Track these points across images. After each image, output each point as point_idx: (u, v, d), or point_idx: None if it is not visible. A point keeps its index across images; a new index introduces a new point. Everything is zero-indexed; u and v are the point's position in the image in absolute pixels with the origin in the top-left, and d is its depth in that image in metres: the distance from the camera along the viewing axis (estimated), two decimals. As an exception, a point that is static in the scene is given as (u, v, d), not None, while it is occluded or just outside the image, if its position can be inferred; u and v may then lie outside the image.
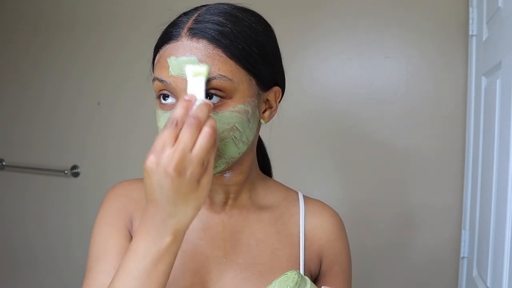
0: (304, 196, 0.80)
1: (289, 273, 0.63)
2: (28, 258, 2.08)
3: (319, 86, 1.65)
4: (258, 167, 0.78)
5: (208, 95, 0.61)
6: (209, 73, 0.59)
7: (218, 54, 0.61)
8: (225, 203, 0.73)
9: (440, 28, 1.52)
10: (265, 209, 0.76)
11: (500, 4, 1.12)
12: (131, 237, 0.72)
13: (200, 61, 0.60)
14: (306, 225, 0.76)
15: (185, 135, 0.52)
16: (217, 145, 0.62)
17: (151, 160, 0.53)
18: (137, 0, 1.87)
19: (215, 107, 0.61)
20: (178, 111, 0.54)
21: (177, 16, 0.66)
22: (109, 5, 1.90)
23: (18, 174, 2.07)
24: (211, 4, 0.66)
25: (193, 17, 0.63)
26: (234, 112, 0.62)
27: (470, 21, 1.43)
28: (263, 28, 0.68)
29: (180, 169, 0.52)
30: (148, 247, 0.55)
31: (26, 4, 2.05)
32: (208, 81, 0.60)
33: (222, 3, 0.66)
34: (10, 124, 2.10)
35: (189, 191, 0.53)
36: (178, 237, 0.56)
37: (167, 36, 0.64)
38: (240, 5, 0.67)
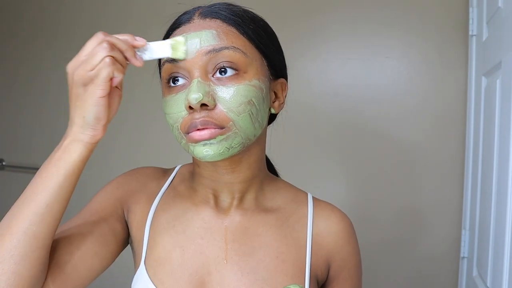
0: (313, 198, 0.77)
1: (292, 287, 0.61)
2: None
3: (319, 87, 1.65)
4: (266, 167, 0.76)
5: (222, 69, 0.61)
6: (180, 44, 0.61)
7: (231, 31, 0.63)
8: (230, 203, 0.72)
9: (440, 28, 1.52)
10: (271, 211, 0.73)
11: (500, 4, 1.12)
12: (123, 220, 0.73)
13: (217, 36, 0.61)
14: (314, 229, 0.73)
15: (87, 44, 0.56)
16: (234, 119, 0.61)
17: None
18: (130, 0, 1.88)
19: (230, 80, 0.61)
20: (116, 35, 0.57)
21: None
22: (108, 5, 1.90)
23: (18, 174, 2.07)
24: (221, 2, 0.68)
25: (204, 6, 0.66)
26: (250, 85, 0.62)
27: (470, 21, 1.43)
28: (270, 27, 0.70)
29: (71, 67, 0.56)
30: (54, 150, 0.59)
31: (27, 5, 2.05)
32: (222, 52, 0.60)
33: (226, 2, 0.68)
34: (10, 124, 2.10)
35: (76, 96, 0.56)
36: (67, 149, 0.57)
37: (177, 22, 0.65)
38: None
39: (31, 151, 2.05)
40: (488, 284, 1.11)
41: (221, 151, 0.61)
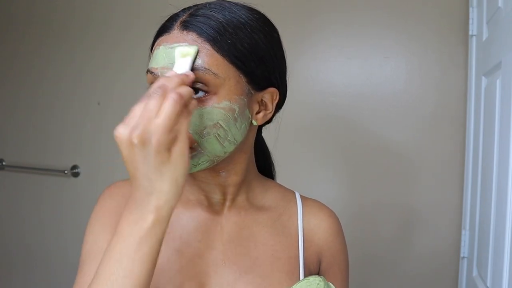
0: (301, 196, 0.80)
1: (311, 278, 0.61)
2: (27, 258, 2.07)
3: (319, 87, 1.64)
4: (255, 168, 0.77)
5: (194, 90, 0.60)
6: (197, 53, 0.60)
7: (205, 48, 0.60)
8: (222, 204, 0.73)
9: (440, 28, 1.52)
10: (263, 210, 0.75)
11: (500, 4, 1.12)
12: None
13: None
14: (305, 225, 0.76)
15: (150, 104, 0.50)
16: (199, 141, 0.61)
17: (118, 130, 0.51)
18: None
19: (199, 102, 0.60)
20: (154, 85, 0.53)
21: (178, 11, 0.67)
22: (105, 3, 1.90)
23: (18, 174, 2.07)
24: (214, 1, 0.66)
25: (189, 12, 0.64)
26: (217, 108, 0.61)
27: (470, 21, 1.43)
28: (261, 27, 0.66)
29: (143, 138, 0.49)
30: (130, 227, 0.52)
31: (21, 3, 2.05)
32: (193, 72, 0.59)
33: (224, 0, 0.66)
34: (10, 124, 2.10)
35: (160, 163, 0.50)
36: (161, 217, 0.52)
37: (162, 29, 0.65)
38: (243, 3, 0.67)
39: (31, 151, 2.05)
40: (488, 284, 1.11)
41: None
